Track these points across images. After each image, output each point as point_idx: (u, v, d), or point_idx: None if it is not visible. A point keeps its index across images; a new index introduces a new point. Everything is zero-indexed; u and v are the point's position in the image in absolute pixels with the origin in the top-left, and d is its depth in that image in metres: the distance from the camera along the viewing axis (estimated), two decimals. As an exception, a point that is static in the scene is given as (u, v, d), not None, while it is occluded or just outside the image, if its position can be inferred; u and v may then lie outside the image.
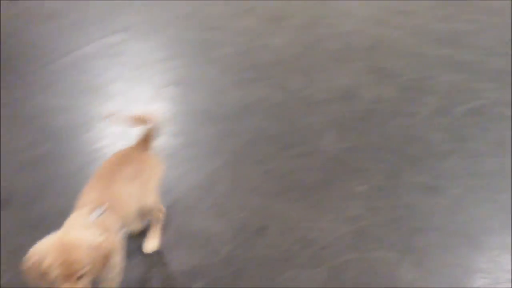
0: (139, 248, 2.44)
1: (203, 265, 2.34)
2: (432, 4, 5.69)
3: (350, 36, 4.85)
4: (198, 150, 3.17)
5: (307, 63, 4.32)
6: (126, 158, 2.28)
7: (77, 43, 4.82)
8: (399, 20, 5.23)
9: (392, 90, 3.78)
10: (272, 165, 3.00)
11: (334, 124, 3.37)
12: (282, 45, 4.70)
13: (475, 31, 4.84)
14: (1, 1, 5.95)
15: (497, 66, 4.09)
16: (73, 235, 1.79)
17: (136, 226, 2.50)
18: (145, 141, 2.36)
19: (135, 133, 2.31)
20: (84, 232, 1.82)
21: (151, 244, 2.52)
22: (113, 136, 3.28)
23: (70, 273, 1.69)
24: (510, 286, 2.17)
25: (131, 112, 2.32)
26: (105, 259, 1.82)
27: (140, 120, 2.32)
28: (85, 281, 1.73)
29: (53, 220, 2.01)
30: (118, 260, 2.01)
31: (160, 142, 2.58)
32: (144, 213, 2.36)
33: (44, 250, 1.73)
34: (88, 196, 2.08)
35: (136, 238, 2.46)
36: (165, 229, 2.53)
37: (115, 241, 1.99)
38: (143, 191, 2.27)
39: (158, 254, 2.44)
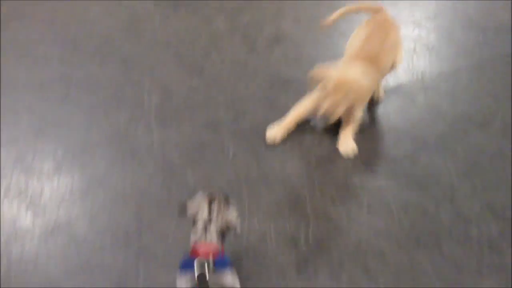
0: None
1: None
2: None
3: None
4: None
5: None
6: (382, 23, 2.86)
7: None
8: None
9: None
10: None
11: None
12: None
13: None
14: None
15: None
16: (352, 71, 2.64)
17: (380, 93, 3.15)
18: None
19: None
20: (358, 72, 2.65)
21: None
22: None
23: (339, 92, 2.59)
24: None
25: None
26: (364, 98, 2.76)
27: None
28: (341, 106, 2.63)
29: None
30: (362, 106, 2.87)
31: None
32: (389, 71, 2.99)
33: (330, 72, 2.64)
34: (358, 46, 2.81)
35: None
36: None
37: (372, 87, 2.81)
38: (393, 50, 2.88)
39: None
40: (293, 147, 2.90)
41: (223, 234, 1.90)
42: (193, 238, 1.89)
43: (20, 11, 3.88)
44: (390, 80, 3.27)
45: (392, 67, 2.96)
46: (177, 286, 1.83)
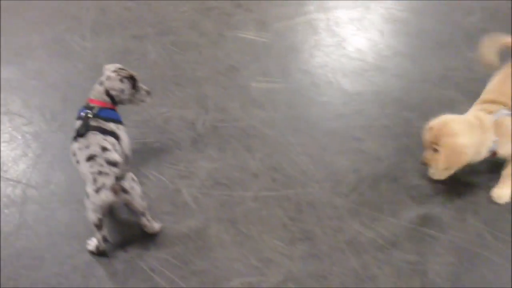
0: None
1: None
2: None
3: None
4: None
5: None
6: None
7: None
8: None
9: None
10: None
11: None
12: None
13: None
14: None
15: None
16: (460, 121, 2.27)
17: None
18: None
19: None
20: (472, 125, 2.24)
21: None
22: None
23: (433, 143, 2.26)
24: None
25: None
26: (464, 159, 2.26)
27: None
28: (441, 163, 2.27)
29: None
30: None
31: None
32: None
33: (437, 121, 2.29)
34: (497, 92, 2.40)
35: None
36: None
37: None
38: None
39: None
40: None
41: (111, 96, 2.35)
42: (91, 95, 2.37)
43: None
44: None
45: None
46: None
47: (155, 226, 2.34)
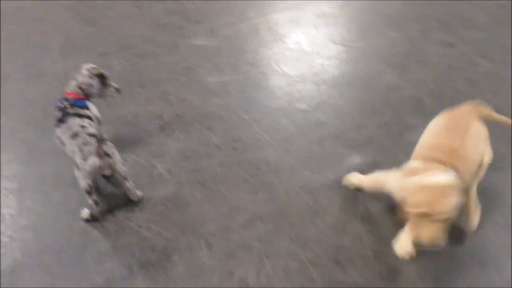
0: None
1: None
2: None
3: None
4: None
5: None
6: (462, 118, 2.36)
7: None
8: None
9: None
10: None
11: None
12: None
13: None
14: None
15: None
16: (442, 184, 2.04)
17: None
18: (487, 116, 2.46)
19: None
20: (450, 187, 2.04)
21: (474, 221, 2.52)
22: None
23: (431, 214, 2.01)
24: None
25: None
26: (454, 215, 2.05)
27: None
28: (437, 225, 2.02)
29: None
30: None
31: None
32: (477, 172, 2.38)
33: (411, 189, 2.08)
34: (436, 150, 2.24)
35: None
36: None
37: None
38: (482, 150, 2.35)
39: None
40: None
41: (83, 89, 2.77)
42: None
43: None
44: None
45: (480, 167, 2.40)
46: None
47: (138, 193, 2.76)
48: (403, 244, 2.21)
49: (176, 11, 4.60)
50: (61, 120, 2.61)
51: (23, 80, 3.78)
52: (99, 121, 2.79)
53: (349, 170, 2.90)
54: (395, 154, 3.05)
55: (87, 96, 2.79)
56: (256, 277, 2.38)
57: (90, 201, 2.58)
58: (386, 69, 3.85)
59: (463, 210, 2.41)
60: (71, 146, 2.52)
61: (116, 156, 2.57)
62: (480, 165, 2.35)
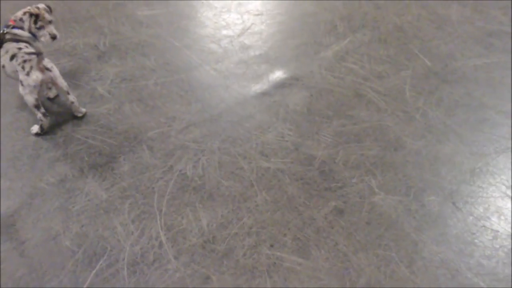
0: None
1: None
2: None
3: None
4: None
5: None
6: None
7: None
8: None
9: None
10: None
11: None
12: None
13: None
14: None
15: None
16: None
17: None
18: None
19: None
20: None
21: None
22: None
23: None
24: None
25: None
26: None
27: None
28: None
29: None
30: None
31: None
32: None
33: None
34: None
35: None
36: None
37: None
38: None
39: None
40: None
41: (16, 22, 2.98)
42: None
43: None
44: None
45: None
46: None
47: (82, 109, 3.03)
48: None
49: None
50: (-2, 45, 2.82)
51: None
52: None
53: (273, 84, 3.30)
54: (312, 69, 3.47)
55: (20, 29, 2.96)
56: (193, 169, 2.75)
57: (39, 115, 2.84)
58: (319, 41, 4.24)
59: None
60: (12, 67, 2.74)
61: (56, 70, 2.82)
62: None
